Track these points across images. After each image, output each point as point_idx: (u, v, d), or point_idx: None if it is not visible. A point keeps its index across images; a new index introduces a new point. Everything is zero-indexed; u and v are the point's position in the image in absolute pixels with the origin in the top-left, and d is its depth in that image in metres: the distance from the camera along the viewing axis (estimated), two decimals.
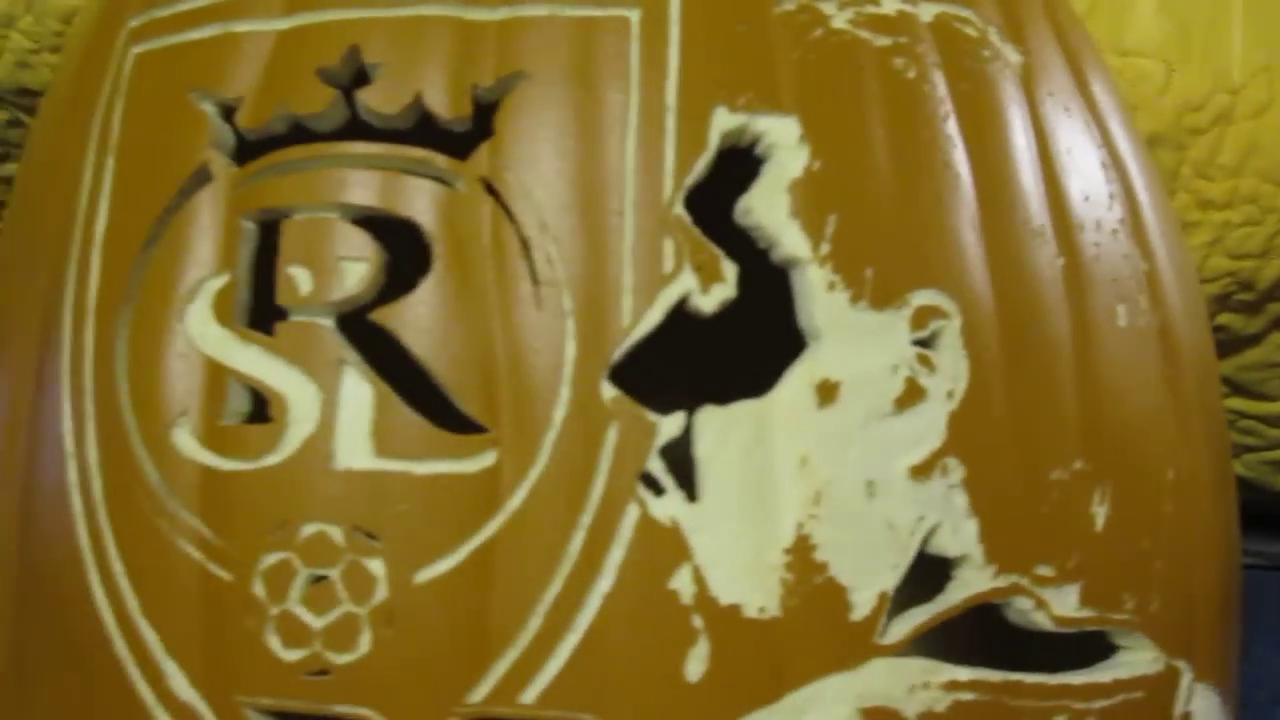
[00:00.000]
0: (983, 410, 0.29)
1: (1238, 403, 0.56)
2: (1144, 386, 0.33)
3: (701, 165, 0.29)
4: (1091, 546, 0.31)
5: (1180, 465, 0.33)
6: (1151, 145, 0.50)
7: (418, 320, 0.28)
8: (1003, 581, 0.30)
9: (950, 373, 0.29)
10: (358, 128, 0.29)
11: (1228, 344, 0.54)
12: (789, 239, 0.29)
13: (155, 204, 0.30)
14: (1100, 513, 0.31)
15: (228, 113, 0.30)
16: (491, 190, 0.29)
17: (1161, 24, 0.51)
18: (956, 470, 0.29)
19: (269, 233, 0.29)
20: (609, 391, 0.28)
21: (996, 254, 0.30)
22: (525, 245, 0.28)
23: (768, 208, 0.29)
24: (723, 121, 0.29)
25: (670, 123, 0.29)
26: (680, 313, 0.28)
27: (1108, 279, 0.32)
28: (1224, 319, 0.53)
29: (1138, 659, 0.32)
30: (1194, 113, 0.50)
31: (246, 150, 0.30)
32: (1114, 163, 0.35)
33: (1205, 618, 0.33)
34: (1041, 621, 0.30)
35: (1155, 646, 0.32)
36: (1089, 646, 0.32)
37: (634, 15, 0.29)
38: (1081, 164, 0.33)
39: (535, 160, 0.29)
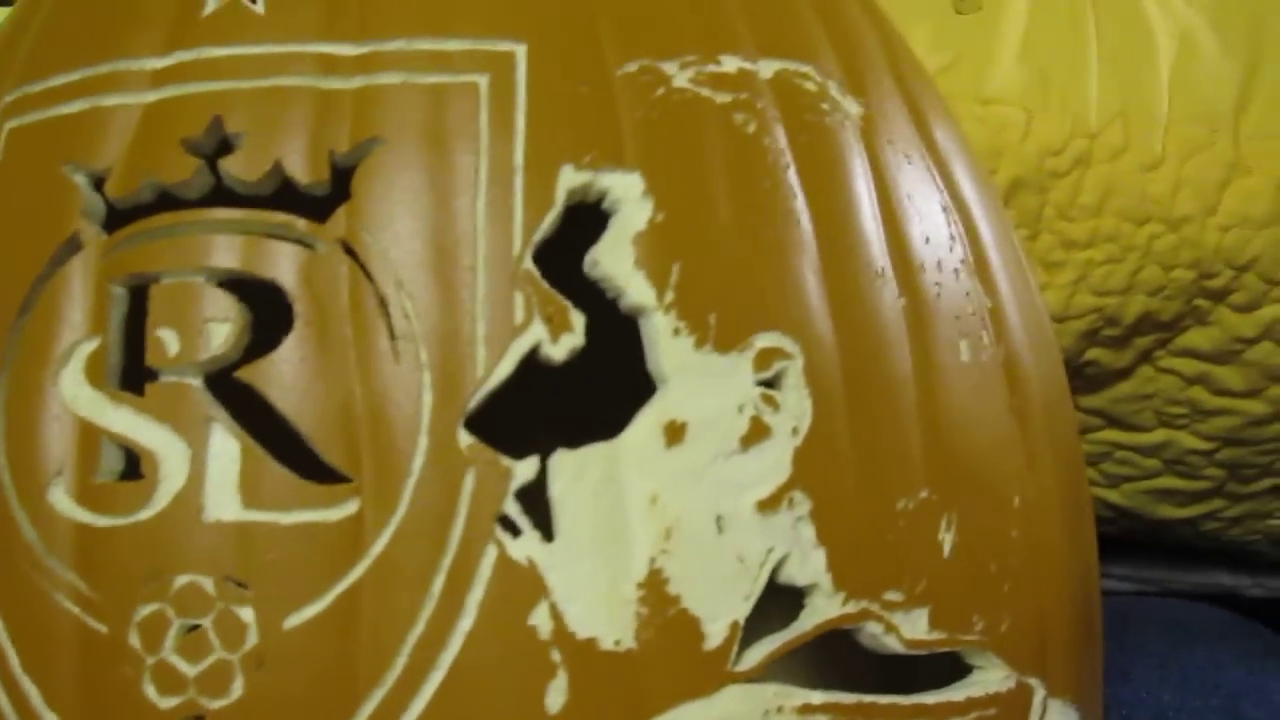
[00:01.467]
0: (827, 445, 0.31)
1: (1112, 434, 0.58)
2: (989, 417, 0.34)
3: (549, 221, 0.30)
4: (939, 571, 0.32)
5: (1027, 491, 0.35)
6: (1015, 189, 0.52)
7: (281, 377, 0.29)
8: (852, 608, 0.31)
9: (794, 410, 0.31)
10: (222, 195, 0.31)
11: (1098, 378, 0.56)
12: (635, 288, 0.30)
13: (28, 272, 0.31)
14: (947, 539, 0.32)
15: (98, 183, 0.31)
16: (349, 250, 0.30)
17: (1022, 73, 0.53)
18: (803, 503, 0.31)
19: (138, 297, 0.30)
20: (465, 439, 0.29)
21: (838, 296, 0.32)
22: (382, 302, 0.30)
23: (614, 259, 0.30)
24: (569, 179, 0.31)
25: (518, 182, 0.30)
26: (532, 362, 0.30)
27: (949, 316, 0.34)
28: (1093, 354, 0.55)
29: (990, 677, 0.33)
30: (1054, 157, 0.52)
31: (116, 218, 0.31)
32: (955, 205, 0.37)
33: (1058, 636, 0.35)
34: (892, 645, 0.32)
35: (1006, 665, 0.33)
36: (946, 667, 0.33)
37: (483, 81, 0.31)
38: (922, 208, 0.35)
39: (390, 221, 0.30)
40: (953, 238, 0.35)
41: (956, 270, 0.35)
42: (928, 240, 0.34)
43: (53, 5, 0.35)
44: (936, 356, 0.33)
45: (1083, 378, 0.57)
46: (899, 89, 0.37)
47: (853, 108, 0.35)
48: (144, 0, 0.33)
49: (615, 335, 0.30)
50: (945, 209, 0.36)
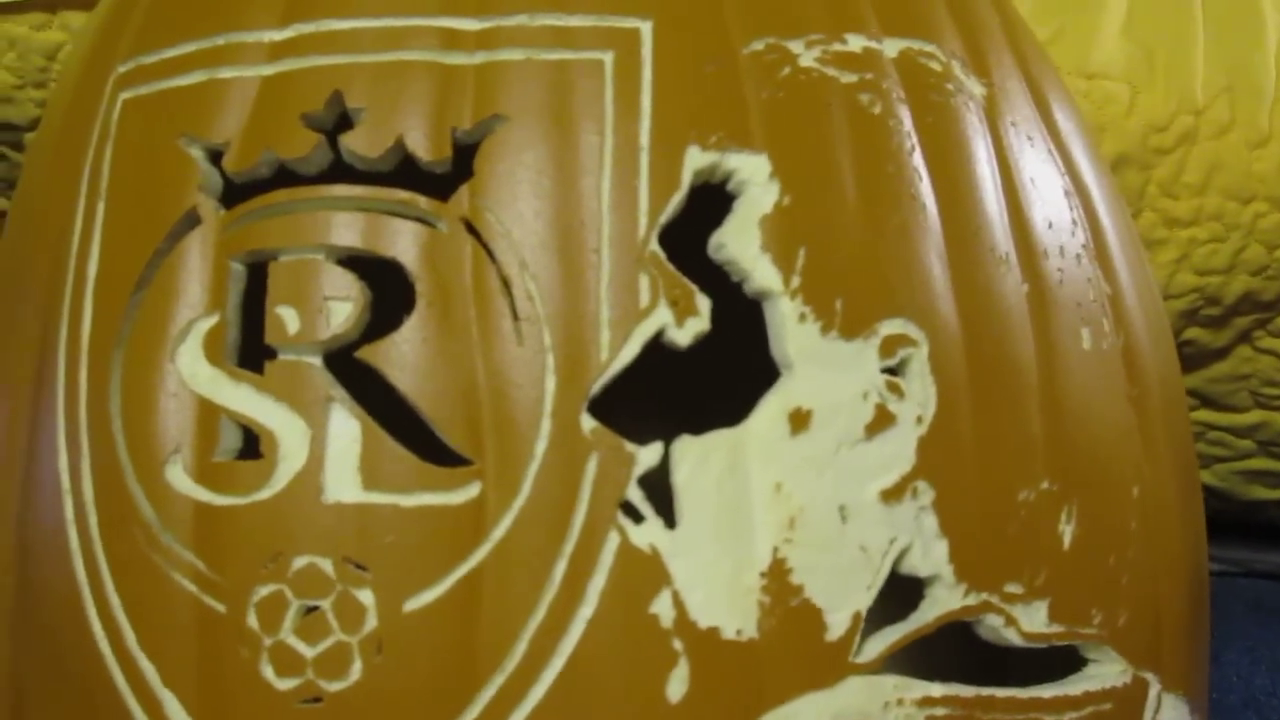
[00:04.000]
0: (951, 434, 0.30)
1: (1206, 415, 0.57)
2: (1109, 407, 0.34)
3: (675, 203, 0.30)
4: (1059, 564, 0.32)
5: (1145, 482, 0.34)
6: (1118, 165, 0.51)
7: (402, 357, 0.29)
8: (973, 600, 0.31)
9: (919, 399, 0.30)
10: (342, 171, 0.30)
11: (1195, 358, 0.55)
12: (761, 273, 0.30)
13: (145, 247, 0.31)
14: (1067, 531, 0.32)
15: (215, 157, 0.31)
16: (472, 230, 0.30)
17: (1126, 47, 0.52)
18: (926, 493, 0.30)
19: (257, 274, 0.30)
20: (588, 423, 0.29)
21: (962, 282, 0.31)
22: (506, 283, 0.29)
23: (740, 243, 0.30)
24: (695, 160, 0.30)
25: (644, 162, 0.30)
26: (656, 346, 0.29)
27: (1071, 303, 0.33)
28: (1191, 334, 0.54)
29: (1106, 671, 0.33)
30: (1159, 133, 0.51)
31: (234, 194, 0.31)
32: (1076, 189, 0.36)
33: (1172, 630, 0.34)
34: (1012, 637, 0.31)
35: (1123, 659, 0.33)
36: (1060, 660, 0.33)
37: (608, 58, 0.30)
38: (1045, 192, 0.34)
39: (514, 200, 0.30)
40: (1075, 222, 0.35)
41: (1079, 256, 0.34)
42: (1050, 225, 0.34)
43: None
44: (1059, 344, 0.33)
45: (1180, 358, 0.56)
46: (1020, 69, 0.36)
47: (976, 88, 0.34)
48: None
49: (740, 319, 0.30)
50: (1067, 193, 0.35)
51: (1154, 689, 0.33)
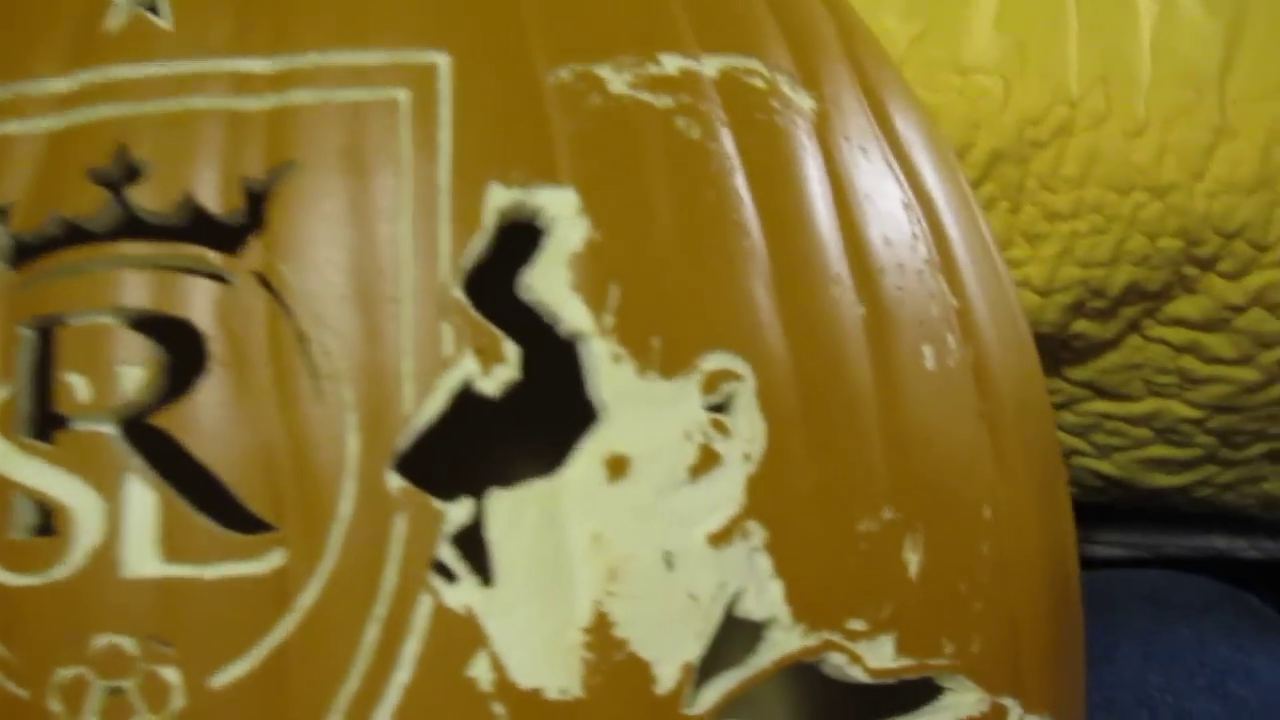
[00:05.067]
0: (782, 470, 0.29)
1: (1102, 405, 0.57)
2: (956, 427, 0.33)
3: (478, 245, 0.28)
4: (905, 595, 0.31)
5: (998, 502, 0.33)
6: (995, 161, 0.50)
7: (198, 422, 0.28)
8: (813, 640, 0.30)
9: (746, 435, 0.29)
10: (133, 227, 0.29)
11: (1086, 350, 0.54)
12: (571, 313, 0.29)
13: None
14: (913, 560, 0.31)
15: (2, 216, 0.30)
16: (265, 284, 0.28)
17: (998, 40, 0.51)
18: (758, 533, 0.29)
19: (49, 339, 0.29)
20: (395, 482, 0.28)
21: (791, 309, 0.30)
22: (302, 339, 0.28)
23: (548, 283, 0.29)
24: (498, 198, 0.29)
25: (444, 204, 0.29)
26: (464, 397, 0.28)
27: (912, 322, 0.32)
28: (1079, 326, 0.53)
29: (961, 700, 0.32)
30: (1034, 126, 0.50)
31: (24, 254, 0.29)
32: (919, 200, 0.35)
33: (1033, 651, 0.33)
34: (857, 675, 0.30)
35: (978, 687, 0.32)
36: (914, 690, 0.32)
37: (403, 96, 0.29)
38: (881, 207, 0.33)
39: (308, 251, 0.28)
40: (915, 236, 0.34)
41: (920, 271, 0.33)
42: (888, 242, 0.33)
43: None
44: (899, 366, 0.32)
45: (1070, 350, 0.55)
46: (855, 77, 0.35)
47: (805, 102, 0.33)
48: (45, 14, 0.31)
49: (553, 363, 0.28)
50: (907, 205, 0.34)
51: (1014, 714, 0.33)
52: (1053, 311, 0.53)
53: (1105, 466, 0.60)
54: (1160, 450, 0.58)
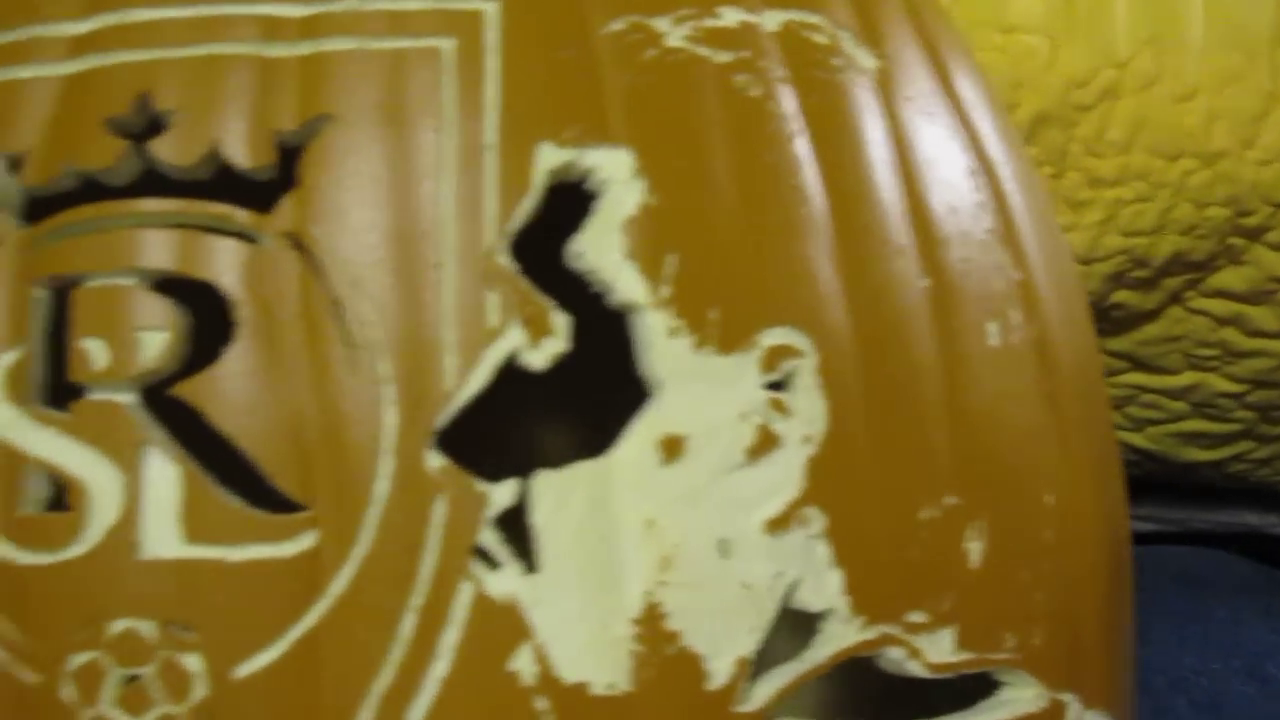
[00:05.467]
0: (843, 453, 0.28)
1: (1138, 377, 0.55)
2: (1020, 408, 0.31)
3: (527, 207, 0.27)
4: (967, 586, 0.29)
5: (1061, 488, 0.31)
6: (1039, 124, 0.48)
7: (223, 393, 0.26)
8: (872, 633, 0.28)
9: (806, 415, 0.27)
10: (153, 182, 0.27)
11: (1125, 320, 0.53)
12: (625, 282, 0.27)
13: None
14: (975, 549, 0.29)
15: (14, 167, 0.28)
16: (298, 246, 0.26)
17: None
18: (817, 520, 0.27)
19: (64, 300, 0.27)
20: (434, 461, 0.26)
21: (854, 282, 0.29)
22: (337, 305, 0.26)
23: (601, 249, 0.27)
24: (548, 158, 0.27)
25: (490, 163, 0.27)
26: (509, 371, 0.26)
27: (977, 296, 0.31)
28: (1120, 296, 0.52)
29: (1020, 696, 0.30)
30: (1080, 89, 0.48)
31: (36, 208, 0.27)
32: (983, 167, 0.33)
33: (1092, 644, 0.32)
34: (915, 670, 0.29)
35: (1038, 683, 0.30)
36: (971, 685, 0.30)
37: (447, 46, 0.27)
38: (946, 173, 0.31)
39: (344, 211, 0.26)
40: (980, 205, 0.32)
41: (984, 242, 0.31)
42: (954, 210, 0.31)
43: None
44: (964, 343, 0.30)
45: (1108, 320, 0.53)
46: (919, 36, 0.33)
47: (868, 61, 0.31)
48: None
49: (604, 335, 0.27)
50: (972, 172, 0.32)
51: (1073, 710, 0.31)
52: (1093, 281, 0.51)
53: (1139, 440, 0.58)
54: (1196, 425, 0.56)
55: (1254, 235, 0.50)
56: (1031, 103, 0.49)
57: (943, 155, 0.31)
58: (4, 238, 0.27)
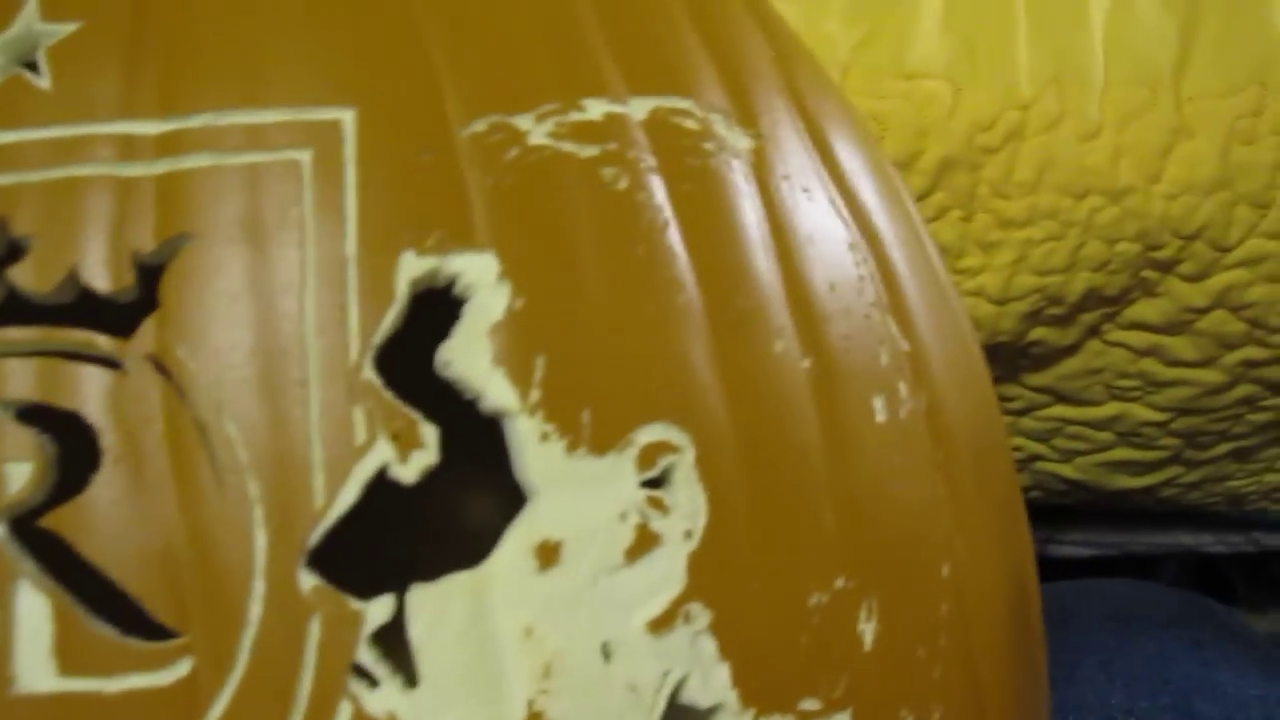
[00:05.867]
0: (726, 545, 0.28)
1: (1062, 410, 0.55)
2: (910, 481, 0.31)
3: (391, 318, 0.26)
4: (861, 668, 0.29)
5: (957, 557, 0.31)
6: (946, 168, 0.49)
7: (92, 522, 0.26)
8: None
9: (686, 511, 0.27)
10: (15, 309, 0.27)
11: (1045, 357, 0.53)
12: (494, 389, 0.27)
13: None
14: (868, 630, 0.29)
15: None
16: (161, 369, 0.26)
17: (945, 42, 0.49)
18: (701, 615, 0.27)
19: None
20: (307, 581, 0.25)
21: (731, 370, 0.28)
22: (202, 429, 0.26)
23: (468, 356, 0.27)
24: (411, 266, 0.27)
25: (352, 275, 0.26)
26: (379, 486, 0.26)
27: (861, 371, 0.31)
28: (1038, 334, 0.52)
29: None
30: (985, 132, 0.49)
31: None
32: (865, 239, 0.33)
33: (999, 706, 0.32)
34: None
35: None
36: None
37: (305, 157, 0.27)
38: (825, 250, 0.31)
39: (206, 331, 0.26)
40: (862, 278, 0.32)
41: (868, 315, 0.31)
42: (833, 287, 0.31)
43: None
44: (848, 422, 0.30)
45: (1028, 357, 0.53)
46: (795, 109, 0.33)
47: (742, 142, 0.31)
48: None
49: (475, 444, 0.26)
50: (853, 245, 0.32)
51: None
52: (1009, 320, 0.51)
53: (1068, 470, 0.58)
54: (1124, 453, 0.56)
55: (1166, 268, 0.50)
56: (937, 148, 0.49)
57: (821, 231, 0.31)
58: None
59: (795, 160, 0.32)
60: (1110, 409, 0.55)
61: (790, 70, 0.34)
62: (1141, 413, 0.55)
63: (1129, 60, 0.50)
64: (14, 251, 0.27)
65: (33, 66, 0.28)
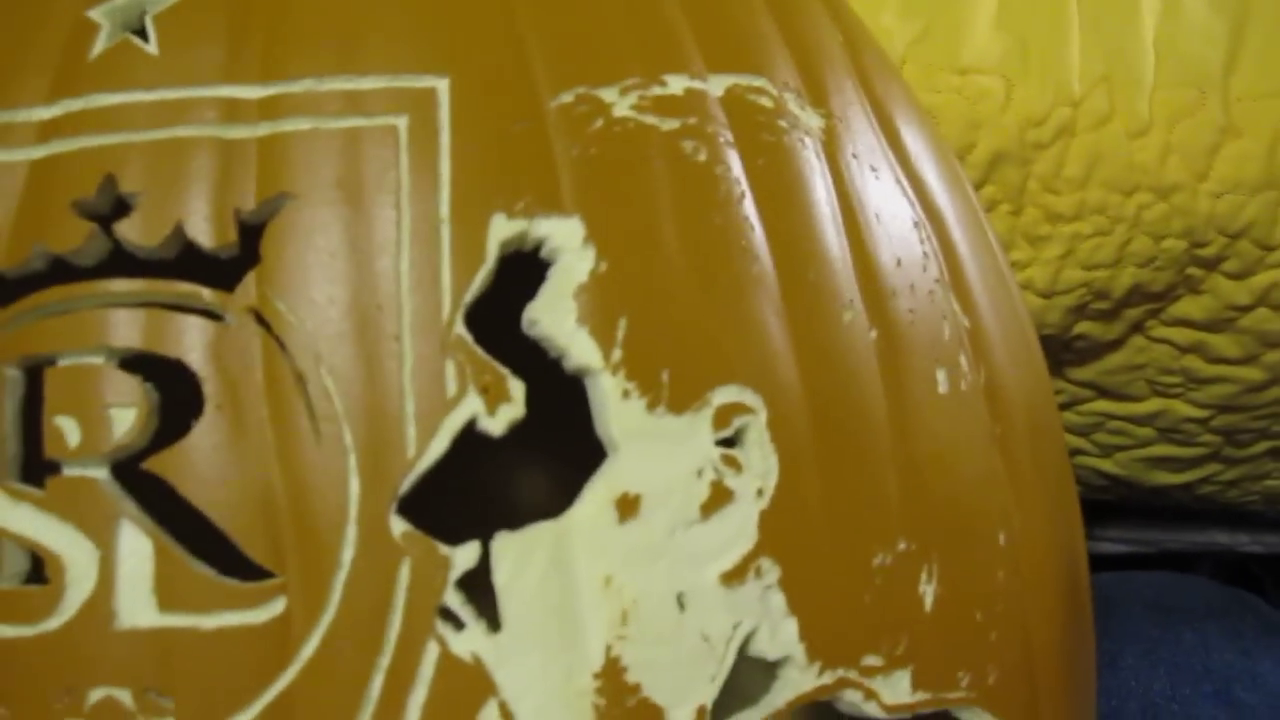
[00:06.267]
0: (796, 505, 0.29)
1: (1105, 405, 0.56)
2: (970, 452, 0.32)
3: (481, 278, 0.28)
4: (921, 628, 0.30)
5: (1013, 527, 0.32)
6: (996, 162, 0.49)
7: (193, 466, 0.27)
8: (828, 678, 0.29)
9: (758, 470, 0.28)
10: (121, 262, 0.28)
11: (1089, 351, 0.54)
12: (578, 348, 0.28)
13: None
14: (928, 592, 0.30)
15: None
16: (261, 321, 0.27)
17: (999, 39, 0.50)
18: (771, 570, 0.28)
19: (35, 380, 0.28)
20: (398, 526, 0.27)
21: (803, 337, 0.29)
22: (300, 379, 0.27)
23: (554, 316, 0.28)
24: (501, 229, 0.28)
25: (445, 235, 0.28)
26: (468, 438, 0.27)
27: (925, 345, 0.32)
28: (1083, 328, 0.53)
29: None
30: (1036, 127, 0.49)
31: (6, 290, 0.28)
32: (929, 218, 0.34)
33: (1048, 678, 0.33)
34: (873, 711, 0.30)
35: (996, 718, 0.31)
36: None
37: (401, 123, 0.28)
38: (891, 227, 0.32)
39: (305, 286, 0.27)
40: (926, 255, 0.33)
41: (932, 291, 0.32)
42: (899, 263, 0.32)
43: None
44: (912, 392, 0.31)
45: (1072, 351, 0.54)
46: (864, 91, 0.34)
47: (813, 121, 0.32)
48: (28, 39, 0.30)
49: (559, 399, 0.28)
50: (917, 224, 0.33)
51: None
52: (1055, 314, 0.52)
53: (1108, 465, 0.59)
54: (1164, 449, 0.57)
55: (1211, 265, 0.51)
56: (989, 142, 0.50)
57: (888, 209, 0.32)
58: None
59: (863, 140, 0.33)
60: (1152, 405, 0.56)
61: (858, 54, 0.35)
62: (1182, 409, 0.56)
63: (1178, 60, 0.51)
64: (120, 206, 0.28)
65: (140, 33, 0.30)
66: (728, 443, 0.28)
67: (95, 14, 0.30)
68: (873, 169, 0.33)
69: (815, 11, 0.34)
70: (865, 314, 0.31)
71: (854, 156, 0.32)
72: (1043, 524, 0.33)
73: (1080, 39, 0.50)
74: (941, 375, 0.31)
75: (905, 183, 0.33)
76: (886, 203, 0.32)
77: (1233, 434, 0.56)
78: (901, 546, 0.30)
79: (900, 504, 0.30)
